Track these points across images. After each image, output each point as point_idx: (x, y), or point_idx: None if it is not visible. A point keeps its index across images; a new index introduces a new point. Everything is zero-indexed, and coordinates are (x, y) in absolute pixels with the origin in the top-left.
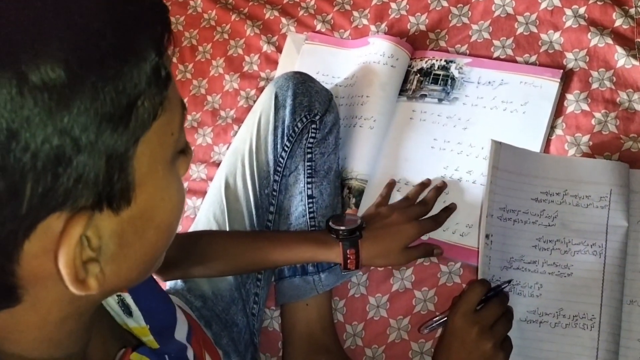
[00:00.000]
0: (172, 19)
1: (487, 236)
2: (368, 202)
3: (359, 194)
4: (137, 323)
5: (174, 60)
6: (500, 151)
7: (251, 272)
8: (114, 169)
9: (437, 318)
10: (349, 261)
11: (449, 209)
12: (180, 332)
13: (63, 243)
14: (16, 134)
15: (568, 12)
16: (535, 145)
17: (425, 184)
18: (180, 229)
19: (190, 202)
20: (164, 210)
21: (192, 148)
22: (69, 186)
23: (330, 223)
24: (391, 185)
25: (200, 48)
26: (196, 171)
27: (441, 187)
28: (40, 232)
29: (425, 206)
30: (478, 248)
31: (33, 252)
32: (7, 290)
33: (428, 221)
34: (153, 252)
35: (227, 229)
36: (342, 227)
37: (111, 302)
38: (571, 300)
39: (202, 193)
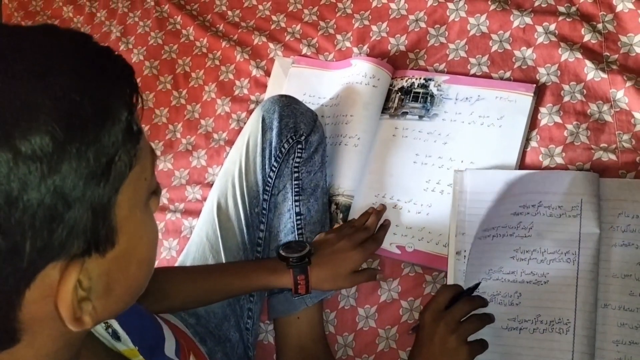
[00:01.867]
0: (166, 47)
1: (457, 252)
2: (355, 216)
3: (346, 209)
4: (126, 346)
5: (169, 87)
6: (466, 176)
7: (211, 304)
8: (99, 218)
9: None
10: (299, 286)
11: (384, 226)
12: (169, 349)
13: (61, 289)
14: (15, 199)
15: (539, 29)
16: (512, 157)
17: (369, 213)
18: (177, 248)
19: (186, 222)
20: (143, 246)
21: (187, 171)
22: (63, 238)
23: (280, 251)
24: (367, 213)
25: (193, 74)
26: (191, 192)
27: (381, 211)
28: (39, 281)
29: (367, 231)
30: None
31: (33, 299)
32: (8, 334)
33: (370, 243)
34: (136, 284)
35: (221, 248)
36: (292, 255)
37: (99, 330)
38: (547, 306)
39: (198, 213)
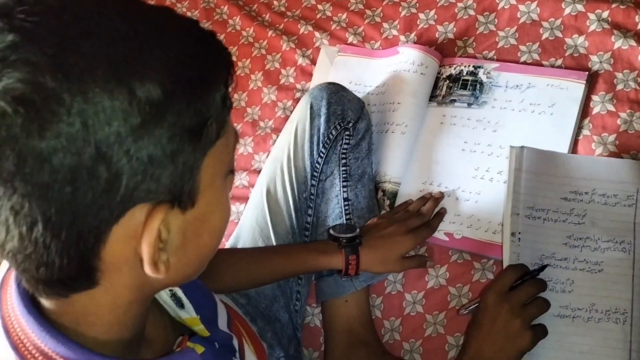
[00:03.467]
0: None
1: (512, 234)
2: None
3: (393, 196)
4: (188, 314)
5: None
6: (523, 154)
7: (263, 285)
8: (186, 174)
9: (475, 300)
10: (350, 267)
11: (440, 214)
12: (222, 322)
13: (147, 228)
14: (122, 140)
15: (592, 16)
16: (563, 145)
17: (425, 198)
18: (225, 233)
19: (234, 207)
20: (218, 216)
21: (235, 158)
22: (153, 184)
23: (331, 231)
24: (424, 198)
25: (239, 63)
26: (238, 179)
27: (439, 198)
28: (127, 220)
29: (422, 217)
30: (502, 245)
31: (117, 237)
32: (90, 272)
33: (423, 229)
34: (205, 252)
35: (271, 232)
36: (344, 235)
37: (165, 297)
38: (602, 295)
39: (245, 199)
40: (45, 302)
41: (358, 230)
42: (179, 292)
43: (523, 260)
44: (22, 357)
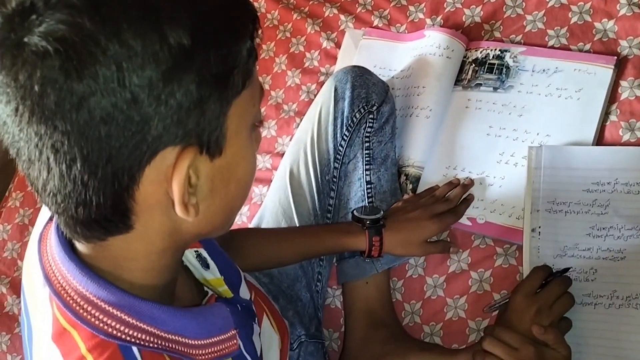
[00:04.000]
0: None
1: (532, 230)
2: (424, 187)
3: (416, 180)
4: (213, 275)
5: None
6: (542, 153)
7: (286, 265)
8: (213, 121)
9: (500, 299)
10: (373, 248)
11: (467, 201)
12: (244, 293)
13: (177, 168)
14: (154, 84)
15: (622, 0)
16: (590, 131)
17: (453, 183)
18: (248, 214)
19: (257, 189)
20: (244, 167)
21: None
22: (182, 128)
23: (355, 213)
24: (452, 184)
25: (264, 47)
26: (262, 161)
27: (468, 185)
28: (159, 160)
29: (449, 203)
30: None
31: (150, 178)
32: (124, 213)
33: (448, 215)
34: (232, 204)
35: (294, 213)
36: (368, 217)
37: (190, 258)
38: (624, 282)
39: (268, 181)
40: (83, 248)
41: (382, 212)
42: (204, 253)
43: (544, 253)
44: (64, 302)
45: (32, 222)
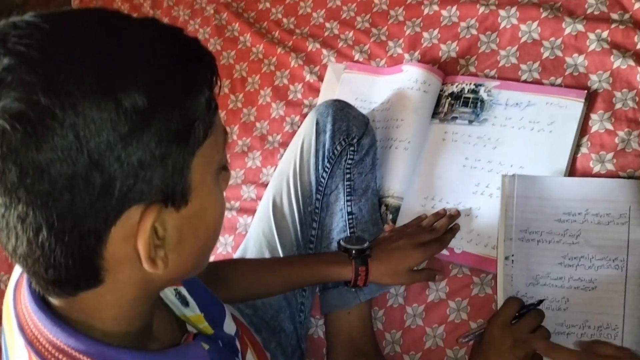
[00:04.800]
0: (224, 54)
1: (506, 258)
2: (404, 218)
3: (396, 210)
4: (193, 312)
5: (226, 91)
6: (515, 182)
7: (272, 295)
8: (176, 174)
9: (475, 329)
10: (359, 277)
11: (453, 230)
12: (229, 328)
13: (141, 227)
14: (113, 147)
15: (592, 36)
16: (562, 163)
17: (440, 214)
18: (233, 244)
19: (241, 219)
20: (212, 213)
21: (243, 171)
22: (145, 186)
23: (341, 242)
24: (439, 214)
25: (249, 79)
26: (247, 192)
27: (454, 216)
28: (124, 220)
29: (434, 232)
30: (496, 269)
31: (117, 237)
32: (94, 271)
33: (433, 244)
34: (203, 247)
35: (277, 244)
36: (354, 247)
37: (169, 296)
38: (595, 312)
39: (252, 211)
40: (55, 301)
41: (368, 242)
42: (184, 291)
43: (517, 281)
44: (37, 351)
45: None
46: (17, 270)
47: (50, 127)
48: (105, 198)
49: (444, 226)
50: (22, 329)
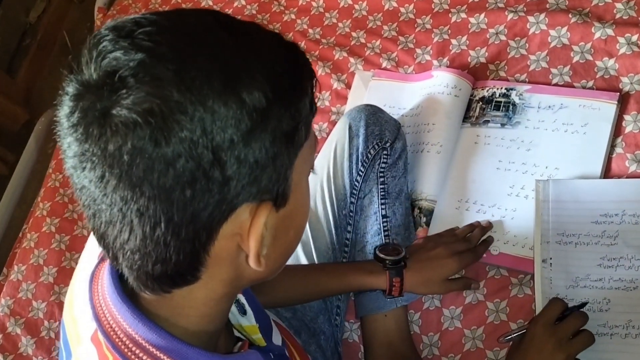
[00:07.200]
0: None
1: (543, 260)
2: (437, 220)
3: (429, 213)
4: (249, 322)
5: None
6: (550, 186)
7: (307, 302)
8: (282, 175)
9: (517, 329)
10: (393, 288)
11: (487, 242)
12: (276, 339)
13: (254, 224)
14: (235, 145)
15: (621, 40)
16: (597, 163)
17: (474, 225)
18: None
19: None
20: (302, 214)
21: None
22: (257, 184)
23: (377, 252)
24: (472, 226)
25: None
26: None
27: (486, 227)
28: (234, 217)
29: (468, 243)
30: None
31: (226, 234)
32: (197, 267)
33: (468, 255)
34: (289, 248)
35: (312, 248)
36: (389, 257)
37: None
38: (639, 312)
39: None
40: (146, 297)
41: (404, 252)
42: (242, 299)
43: (556, 284)
44: (112, 342)
45: (47, 263)
46: (89, 262)
47: (180, 122)
48: (222, 195)
49: (477, 237)
50: (98, 318)
